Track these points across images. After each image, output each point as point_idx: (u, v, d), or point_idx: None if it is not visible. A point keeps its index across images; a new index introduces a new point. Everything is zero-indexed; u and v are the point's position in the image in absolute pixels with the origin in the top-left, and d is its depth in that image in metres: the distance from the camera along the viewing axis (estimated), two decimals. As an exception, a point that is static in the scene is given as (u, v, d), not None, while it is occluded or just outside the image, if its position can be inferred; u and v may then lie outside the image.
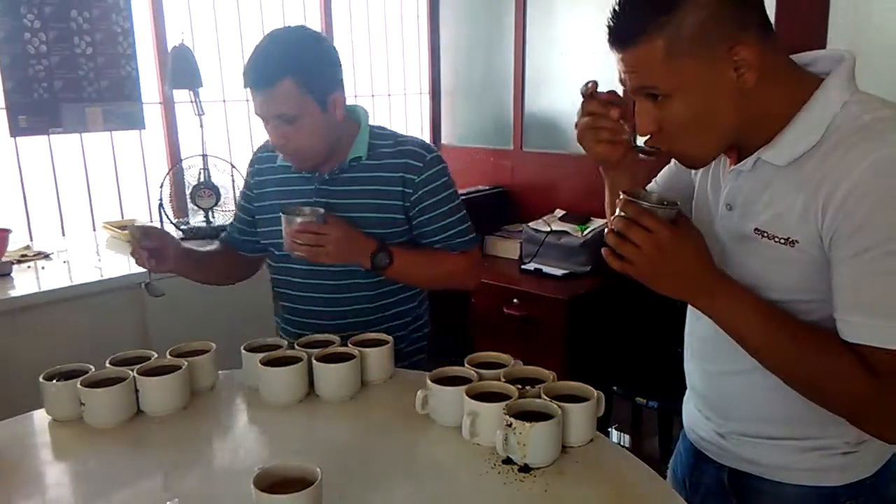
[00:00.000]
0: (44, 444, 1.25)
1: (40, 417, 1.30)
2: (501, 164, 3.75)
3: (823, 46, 2.44)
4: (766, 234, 0.97)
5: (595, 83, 1.06)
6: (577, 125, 1.09)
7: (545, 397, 1.13)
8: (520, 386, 1.19)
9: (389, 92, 4.03)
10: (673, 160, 1.19)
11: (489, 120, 3.84)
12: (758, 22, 0.92)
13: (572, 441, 1.13)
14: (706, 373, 1.15)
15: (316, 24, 3.60)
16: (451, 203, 1.58)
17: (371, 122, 1.61)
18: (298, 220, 1.41)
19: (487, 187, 3.69)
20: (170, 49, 2.86)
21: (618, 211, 0.95)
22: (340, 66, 1.50)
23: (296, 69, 1.39)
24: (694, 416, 1.21)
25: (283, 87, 1.39)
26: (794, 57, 0.99)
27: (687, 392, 1.26)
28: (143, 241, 1.45)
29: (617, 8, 0.94)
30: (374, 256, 1.46)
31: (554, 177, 3.52)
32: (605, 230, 0.98)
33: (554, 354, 2.78)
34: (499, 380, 1.22)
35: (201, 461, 1.21)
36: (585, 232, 3.08)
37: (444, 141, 4.11)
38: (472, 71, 3.90)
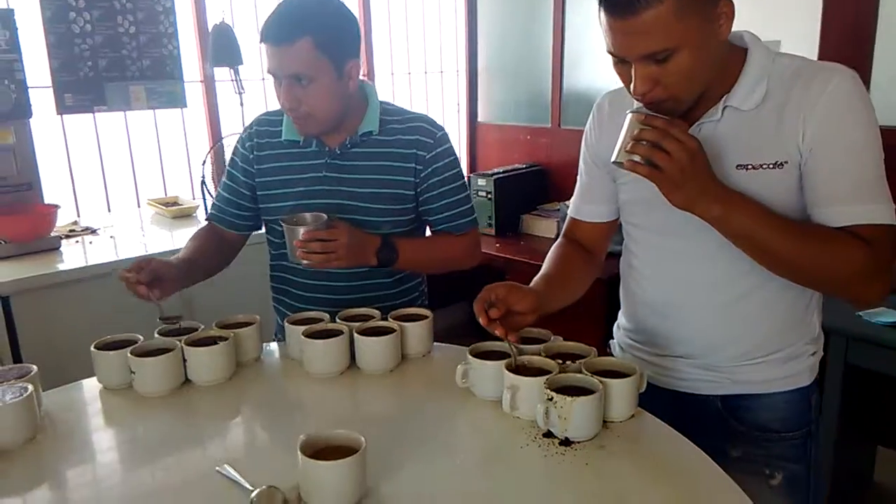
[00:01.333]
0: (95, 411, 1.29)
1: (91, 385, 1.34)
2: (538, 142, 3.72)
3: (869, 67, 2.51)
4: (750, 166, 1.11)
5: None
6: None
7: (586, 372, 1.13)
8: (560, 361, 1.19)
9: (426, 69, 4.01)
10: None
11: (526, 97, 3.81)
12: None
13: (614, 416, 1.13)
14: (686, 314, 1.26)
15: (353, 1, 3.60)
16: (455, 182, 1.57)
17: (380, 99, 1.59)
18: (302, 229, 1.38)
19: (524, 165, 3.67)
20: (210, 28, 2.89)
21: (633, 125, 1.03)
22: (360, 37, 1.48)
23: (316, 29, 1.37)
24: (660, 365, 1.32)
25: (302, 46, 1.36)
26: None
27: (635, 349, 1.37)
28: (139, 278, 1.37)
29: None
30: (380, 252, 1.46)
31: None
32: (628, 144, 1.04)
33: (593, 334, 2.76)
34: (539, 355, 1.22)
35: (247, 429, 1.24)
36: (624, 210, 3.04)
37: (480, 119, 4.09)
38: (509, 48, 3.86)
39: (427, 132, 1.54)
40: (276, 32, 1.38)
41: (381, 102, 1.58)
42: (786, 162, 1.09)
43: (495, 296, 1.19)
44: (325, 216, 1.43)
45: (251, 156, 1.58)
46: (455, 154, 1.59)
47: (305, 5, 1.40)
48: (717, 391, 1.26)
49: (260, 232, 1.69)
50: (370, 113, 1.53)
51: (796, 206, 1.11)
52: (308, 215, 1.45)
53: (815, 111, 1.06)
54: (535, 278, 1.33)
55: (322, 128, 1.48)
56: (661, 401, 1.26)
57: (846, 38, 2.54)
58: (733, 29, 1.09)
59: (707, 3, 1.01)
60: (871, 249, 1.04)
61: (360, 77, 1.52)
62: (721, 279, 1.20)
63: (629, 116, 1.05)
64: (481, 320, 1.18)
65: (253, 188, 1.60)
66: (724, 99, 1.11)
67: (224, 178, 1.65)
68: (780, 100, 1.09)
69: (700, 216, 1.06)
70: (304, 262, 1.40)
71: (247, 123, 1.67)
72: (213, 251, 1.61)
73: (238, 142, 1.63)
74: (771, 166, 1.10)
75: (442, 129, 1.58)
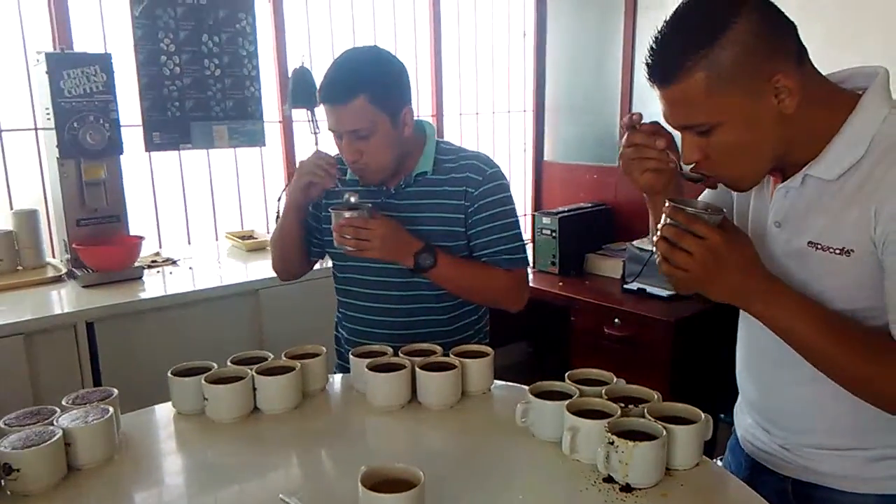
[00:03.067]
0: (168, 434, 1.35)
1: (165, 410, 1.40)
2: (605, 181, 3.70)
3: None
4: (819, 246, 1.00)
5: (639, 115, 1.11)
6: (620, 156, 1.13)
7: (649, 417, 1.11)
8: (622, 404, 1.18)
9: (494, 109, 4.08)
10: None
11: (593, 136, 3.81)
12: (794, 48, 0.95)
13: (677, 464, 1.10)
14: (765, 384, 1.16)
15: (425, 43, 3.71)
16: (505, 219, 1.58)
17: (439, 138, 1.64)
18: (346, 214, 1.45)
19: (590, 204, 3.65)
20: (290, 71, 3.03)
21: (664, 219, 0.98)
22: (409, 83, 1.53)
23: (369, 86, 1.43)
24: (750, 427, 1.22)
25: (358, 104, 1.43)
26: (828, 75, 1.02)
27: (739, 404, 1.28)
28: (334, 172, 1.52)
29: (654, 45, 0.97)
30: (419, 255, 1.48)
31: (660, 195, 3.43)
32: (655, 239, 1.00)
33: (657, 378, 2.70)
34: (601, 397, 1.21)
35: (311, 458, 1.27)
36: (693, 252, 2.98)
37: (546, 157, 4.11)
38: (577, 87, 3.88)
39: (478, 170, 1.57)
40: (333, 93, 1.46)
41: (439, 142, 1.62)
42: (852, 250, 0.97)
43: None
44: (369, 205, 1.48)
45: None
46: (508, 192, 1.61)
47: (358, 64, 1.48)
48: (787, 472, 1.16)
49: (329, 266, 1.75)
50: (425, 154, 1.59)
51: (868, 303, 0.99)
52: (354, 199, 1.50)
53: (888, 201, 0.93)
54: None
55: (382, 176, 1.54)
56: (749, 470, 1.22)
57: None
58: (859, 63, 1.01)
59: (752, 78, 0.93)
60: None
61: (418, 118, 1.58)
62: (796, 355, 1.02)
63: (667, 205, 0.99)
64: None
65: (319, 219, 1.68)
66: (808, 165, 1.01)
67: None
68: (867, 173, 0.96)
69: (743, 310, 1.01)
70: (345, 247, 1.46)
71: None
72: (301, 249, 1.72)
73: None
74: (837, 251, 0.98)
75: (496, 166, 1.61)
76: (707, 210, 0.98)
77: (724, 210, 1.00)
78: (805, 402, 1.10)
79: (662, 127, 1.09)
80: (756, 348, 1.17)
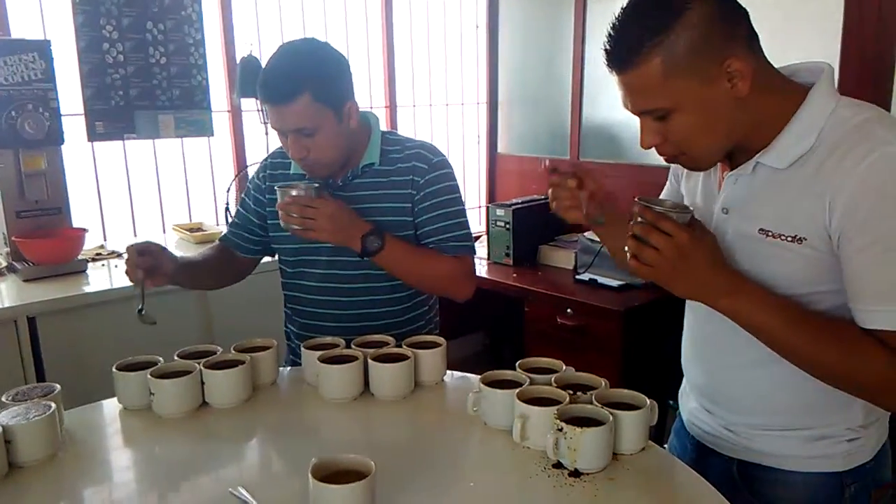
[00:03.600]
0: (115, 430, 1.32)
1: (111, 406, 1.37)
2: (558, 174, 3.74)
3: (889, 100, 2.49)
4: (770, 234, 1.03)
5: (553, 162, 1.17)
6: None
7: (597, 404, 1.14)
8: (571, 392, 1.20)
9: (447, 101, 4.08)
10: (671, 171, 1.31)
11: (546, 129, 3.85)
12: (746, 33, 0.98)
13: (624, 449, 1.13)
14: (710, 368, 1.21)
15: (377, 34, 3.69)
16: (450, 207, 1.58)
17: (384, 129, 1.63)
18: (293, 192, 1.44)
19: (543, 197, 3.68)
20: (238, 60, 2.98)
21: (635, 217, 1.01)
22: (351, 74, 1.51)
23: (311, 83, 1.40)
24: (695, 411, 1.26)
25: (301, 102, 1.40)
26: (778, 68, 1.05)
27: (684, 387, 1.33)
28: (139, 260, 1.42)
29: (612, 32, 0.99)
30: (366, 238, 1.46)
31: (611, 187, 3.44)
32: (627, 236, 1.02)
33: (607, 366, 2.76)
34: (550, 385, 1.23)
35: (261, 452, 1.26)
36: (642, 243, 3.04)
37: (500, 150, 4.14)
38: (530, 81, 3.91)
39: (424, 158, 1.57)
40: (275, 94, 1.41)
41: (384, 133, 1.62)
42: (804, 238, 1.00)
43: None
44: (316, 185, 1.46)
45: (264, 186, 1.65)
46: (454, 180, 1.61)
47: (298, 60, 1.43)
48: (733, 454, 1.19)
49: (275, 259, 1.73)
50: (372, 145, 1.58)
51: (816, 288, 1.02)
52: (303, 183, 1.48)
53: (842, 193, 0.94)
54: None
55: (330, 170, 1.53)
56: (695, 452, 1.26)
57: (866, 69, 2.54)
58: (807, 59, 1.04)
59: (706, 63, 0.95)
60: (894, 359, 0.94)
61: (363, 109, 1.57)
62: (740, 341, 1.06)
63: (637, 203, 1.02)
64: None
65: (262, 216, 1.66)
66: (759, 153, 1.03)
67: (238, 206, 1.73)
68: (817, 165, 0.98)
69: (708, 306, 1.03)
70: (291, 226, 1.44)
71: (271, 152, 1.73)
72: (220, 266, 1.71)
73: (254, 173, 1.70)
74: (789, 239, 1.01)
75: (441, 155, 1.61)
76: (676, 209, 1.00)
77: (692, 209, 1.03)
78: (748, 384, 1.14)
79: (580, 167, 1.24)
80: (701, 334, 1.21)
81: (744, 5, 1.00)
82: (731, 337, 1.07)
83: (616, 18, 0.99)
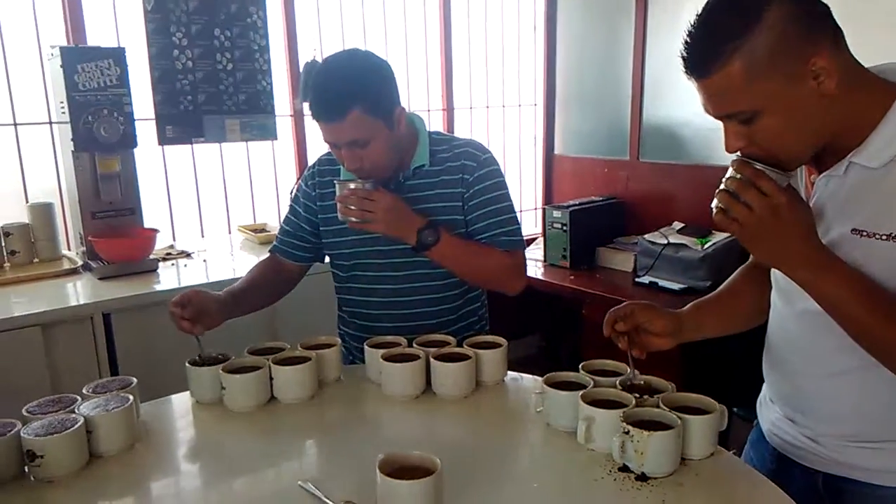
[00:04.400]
0: (187, 423, 1.37)
1: (184, 399, 1.42)
2: (616, 175, 3.69)
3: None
4: (864, 233, 0.99)
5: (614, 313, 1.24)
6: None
7: (664, 407, 1.12)
8: (637, 395, 1.18)
9: (504, 103, 4.07)
10: None
11: (604, 130, 3.80)
12: (830, 30, 0.95)
13: (693, 454, 1.11)
14: (794, 377, 1.15)
15: (436, 36, 3.71)
16: (500, 202, 1.59)
17: (430, 129, 1.64)
18: (351, 185, 1.45)
19: (601, 198, 3.64)
20: (302, 65, 3.04)
21: (730, 172, 0.98)
22: (396, 81, 1.51)
23: (361, 98, 1.40)
24: (777, 420, 1.21)
25: (352, 117, 1.40)
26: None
27: (763, 396, 1.27)
28: (183, 313, 1.43)
29: (688, 38, 0.97)
30: (422, 232, 1.47)
31: (672, 188, 3.43)
32: (716, 191, 1.00)
33: (668, 371, 2.69)
34: (615, 387, 1.21)
35: (327, 446, 1.28)
36: (706, 245, 2.98)
37: (556, 151, 4.10)
38: (588, 81, 3.87)
39: (472, 156, 1.58)
40: (326, 111, 1.43)
41: (431, 133, 1.63)
42: None
43: (626, 311, 1.20)
44: (373, 180, 1.47)
45: (314, 193, 1.66)
46: (502, 176, 1.63)
47: (346, 76, 1.44)
48: (817, 466, 1.14)
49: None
50: (421, 147, 1.60)
51: None
52: (360, 180, 1.50)
53: None
54: (699, 300, 1.30)
55: (385, 175, 1.54)
56: (774, 464, 1.21)
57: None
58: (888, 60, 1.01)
59: (790, 62, 0.93)
60: None
61: (410, 111, 1.58)
62: (829, 346, 1.04)
63: (735, 159, 1.00)
64: (605, 331, 1.21)
65: (313, 223, 1.67)
66: (852, 153, 1.00)
67: (287, 213, 1.74)
68: None
69: (785, 275, 1.01)
70: (349, 218, 1.46)
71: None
72: (267, 284, 1.71)
73: (301, 180, 1.72)
74: (884, 237, 0.97)
75: (488, 152, 1.62)
76: (775, 171, 0.98)
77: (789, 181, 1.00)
78: (837, 393, 1.09)
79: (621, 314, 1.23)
80: (784, 340, 1.16)
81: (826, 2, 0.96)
82: (818, 344, 1.03)
83: (692, 23, 0.97)
